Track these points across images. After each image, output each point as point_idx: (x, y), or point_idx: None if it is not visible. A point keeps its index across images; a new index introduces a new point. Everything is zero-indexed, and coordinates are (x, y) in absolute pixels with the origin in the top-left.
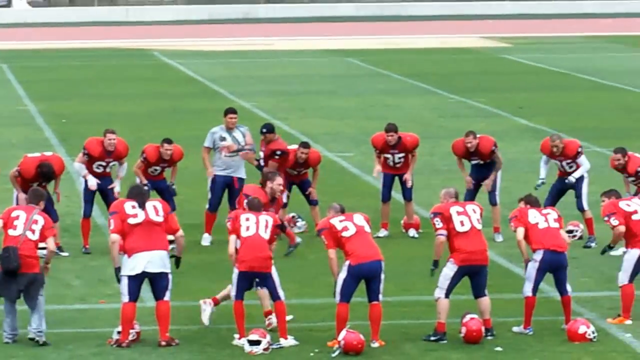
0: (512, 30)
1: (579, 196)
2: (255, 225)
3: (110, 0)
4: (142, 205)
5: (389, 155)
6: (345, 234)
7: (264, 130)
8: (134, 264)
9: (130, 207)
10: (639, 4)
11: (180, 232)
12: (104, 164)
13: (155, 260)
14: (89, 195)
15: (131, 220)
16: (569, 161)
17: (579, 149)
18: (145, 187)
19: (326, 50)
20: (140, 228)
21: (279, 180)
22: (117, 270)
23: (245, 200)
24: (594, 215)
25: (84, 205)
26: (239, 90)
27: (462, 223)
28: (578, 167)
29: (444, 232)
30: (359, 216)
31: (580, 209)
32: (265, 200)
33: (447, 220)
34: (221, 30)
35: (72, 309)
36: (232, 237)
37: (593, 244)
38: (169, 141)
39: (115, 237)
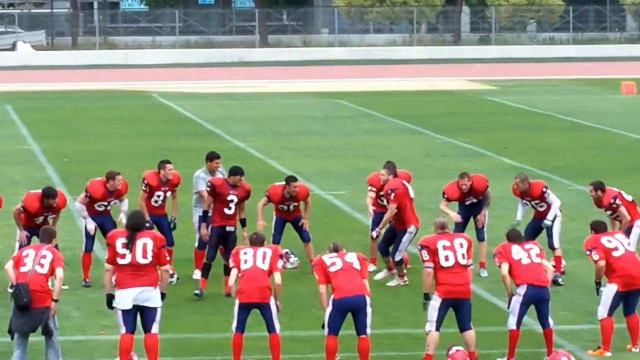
0: (497, 73)
1: (550, 235)
2: (253, 257)
3: (111, 45)
4: (130, 245)
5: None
6: (332, 269)
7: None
8: (121, 299)
9: (120, 245)
10: (615, 49)
11: (166, 267)
12: (105, 203)
13: (140, 296)
14: (93, 231)
15: (119, 260)
16: (537, 201)
17: (544, 189)
18: (147, 224)
19: (317, 92)
20: (128, 267)
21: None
22: (109, 297)
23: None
24: (572, 250)
25: (86, 240)
26: (234, 131)
27: (446, 258)
28: (549, 206)
29: (431, 264)
30: (351, 254)
31: (551, 246)
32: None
33: (433, 253)
34: (217, 73)
35: (72, 340)
36: (234, 271)
37: (559, 280)
38: (167, 161)
39: (108, 266)
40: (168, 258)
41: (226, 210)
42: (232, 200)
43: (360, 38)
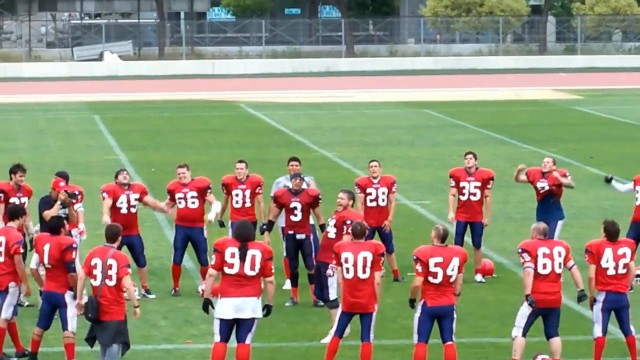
0: (583, 83)
1: None
2: (354, 267)
3: (197, 55)
4: (242, 257)
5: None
6: (431, 279)
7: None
8: (223, 308)
9: (230, 254)
10: None
11: (270, 279)
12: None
13: (242, 307)
14: (180, 243)
15: (226, 270)
16: None
17: None
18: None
19: (404, 102)
20: (234, 276)
21: None
22: (206, 301)
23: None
24: None
25: (175, 252)
26: (322, 141)
27: (544, 266)
28: None
29: (532, 264)
30: (456, 259)
31: None
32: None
33: (533, 259)
34: (304, 83)
35: (159, 349)
36: (338, 269)
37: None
38: (240, 160)
39: (213, 272)
40: (273, 270)
41: (292, 218)
42: (295, 207)
43: (446, 48)
